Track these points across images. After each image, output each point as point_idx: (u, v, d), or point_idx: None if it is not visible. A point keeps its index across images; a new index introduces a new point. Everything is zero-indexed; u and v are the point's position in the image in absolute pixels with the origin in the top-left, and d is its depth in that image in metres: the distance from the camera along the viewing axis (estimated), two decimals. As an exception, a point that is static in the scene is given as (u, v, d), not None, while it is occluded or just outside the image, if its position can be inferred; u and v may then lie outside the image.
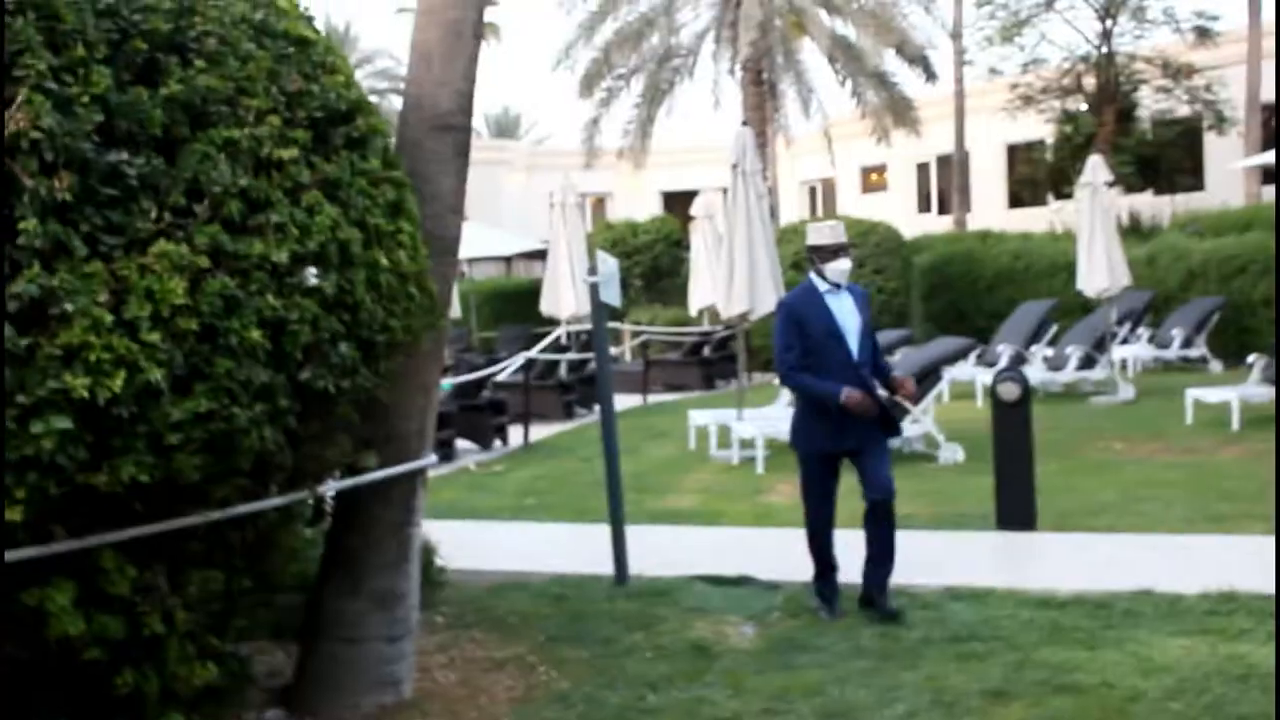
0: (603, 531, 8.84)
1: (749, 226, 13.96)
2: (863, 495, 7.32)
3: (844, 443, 7.30)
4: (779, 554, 9.04)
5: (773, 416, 14.07)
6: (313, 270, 4.65)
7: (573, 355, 19.76)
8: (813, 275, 7.45)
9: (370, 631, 5.95)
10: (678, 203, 38.62)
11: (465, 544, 8.75)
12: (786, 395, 15.08)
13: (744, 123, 15.90)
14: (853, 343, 7.30)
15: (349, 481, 5.55)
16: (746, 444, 13.56)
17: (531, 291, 27.84)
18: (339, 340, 4.78)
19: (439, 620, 7.35)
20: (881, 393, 7.47)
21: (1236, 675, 6.05)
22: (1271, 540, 8.73)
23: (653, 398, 20.80)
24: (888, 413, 7.44)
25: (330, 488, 5.45)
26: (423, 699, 6.10)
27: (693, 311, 23.20)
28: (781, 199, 34.40)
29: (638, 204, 39.48)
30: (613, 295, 8.73)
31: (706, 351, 23.44)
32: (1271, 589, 7.30)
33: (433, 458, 6.25)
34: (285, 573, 5.65)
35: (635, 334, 24.43)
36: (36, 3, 4.12)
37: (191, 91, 4.49)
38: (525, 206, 41.21)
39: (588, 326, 21.04)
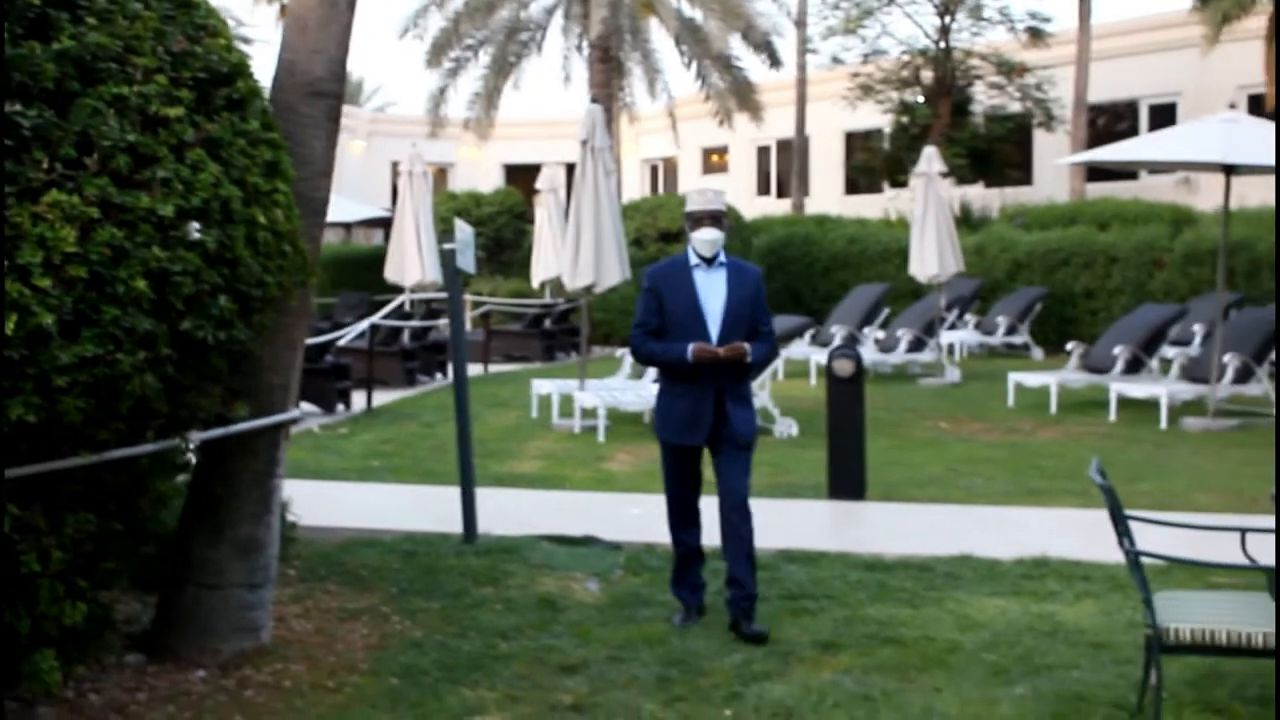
0: (449, 493, 9.10)
1: (596, 202, 14.24)
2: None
3: (694, 435, 6.75)
4: (619, 517, 9.43)
5: (614, 387, 14.43)
6: (196, 225, 4.83)
7: (416, 323, 19.87)
8: (689, 247, 6.86)
9: (232, 578, 6.14)
10: (520, 176, 38.75)
11: (314, 502, 8.91)
12: (628, 367, 15.47)
13: (594, 100, 16.18)
14: (713, 325, 6.70)
15: (219, 431, 5.72)
16: (589, 413, 13.89)
17: (372, 258, 27.81)
18: (218, 293, 4.97)
19: (292, 573, 7.52)
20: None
21: (1045, 631, 6.56)
22: (1079, 513, 9.38)
23: (493, 368, 21.02)
24: (737, 393, 6.78)
25: (200, 436, 5.62)
26: (281, 645, 6.31)
27: (535, 284, 23.41)
28: (624, 176, 34.77)
29: (480, 176, 39.51)
30: (468, 263, 8.96)
31: (548, 324, 23.71)
32: (1080, 555, 7.87)
33: (297, 412, 6.45)
34: (154, 518, 5.79)
35: (476, 304, 24.54)
36: (-65, -45, 4.24)
37: (82, 47, 4.64)
38: (366, 174, 40.96)
39: (431, 295, 21.17)
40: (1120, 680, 5.77)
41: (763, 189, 38.76)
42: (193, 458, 6.08)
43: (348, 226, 36.72)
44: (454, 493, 8.81)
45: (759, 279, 7.00)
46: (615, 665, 6.09)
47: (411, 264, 20.31)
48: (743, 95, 31.56)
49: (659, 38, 32.43)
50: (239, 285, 5.12)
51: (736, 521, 6.71)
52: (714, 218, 6.83)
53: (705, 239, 6.79)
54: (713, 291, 6.79)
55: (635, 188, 40.75)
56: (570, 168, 15.03)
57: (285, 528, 7.61)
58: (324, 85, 6.27)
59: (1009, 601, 7.10)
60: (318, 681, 5.86)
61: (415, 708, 5.52)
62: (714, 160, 40.46)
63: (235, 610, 6.16)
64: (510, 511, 9.47)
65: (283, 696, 5.69)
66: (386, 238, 30.92)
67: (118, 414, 4.70)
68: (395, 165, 27.66)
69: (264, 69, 5.92)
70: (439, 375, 19.53)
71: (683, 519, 6.99)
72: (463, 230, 9.02)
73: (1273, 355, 14.82)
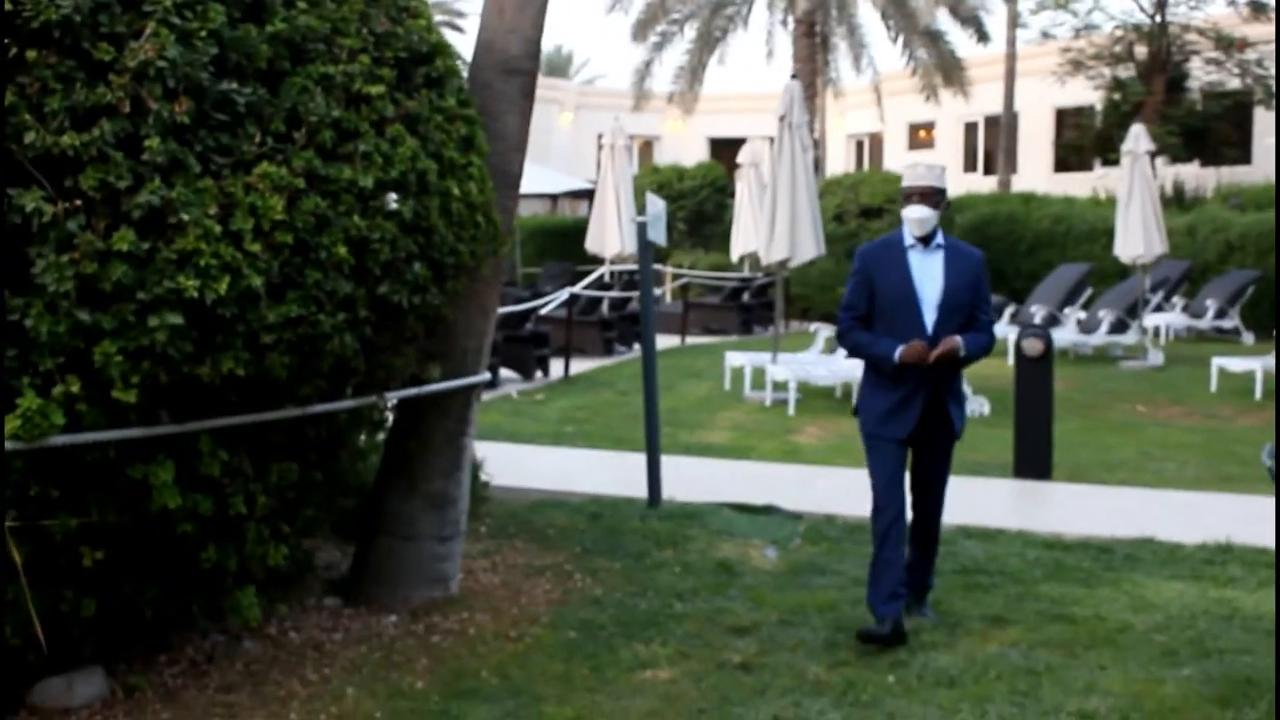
0: (637, 459, 9.37)
1: (793, 177, 14.36)
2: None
3: (899, 427, 6.22)
4: (803, 488, 9.58)
5: (806, 361, 14.55)
6: (393, 195, 5.15)
7: (615, 293, 20.24)
8: (904, 226, 6.31)
9: (424, 530, 6.49)
10: (724, 149, 38.95)
11: (507, 464, 9.29)
12: (821, 342, 15.58)
13: (793, 76, 16.27)
14: (928, 313, 6.14)
15: (413, 390, 6.07)
16: (780, 386, 14.06)
17: (576, 230, 28.27)
18: (413, 260, 5.30)
19: (483, 530, 7.88)
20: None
21: (1222, 615, 6.51)
22: (1271, 500, 9.19)
23: (690, 340, 21.28)
24: (947, 395, 6.29)
25: (396, 395, 5.97)
26: (468, 596, 6.65)
27: (734, 257, 23.61)
28: (828, 152, 34.70)
29: (684, 149, 39.82)
30: (659, 235, 9.19)
31: (745, 297, 23.87)
32: (1267, 543, 7.76)
33: (487, 375, 6.77)
34: (351, 471, 6.18)
35: (676, 277, 24.85)
36: (164, -55, 4.61)
37: (293, 29, 4.98)
38: (573, 146, 41.64)
39: (631, 266, 21.52)
40: (1292, 666, 5.74)
41: (969, 166, 38.25)
42: (389, 416, 6.46)
43: (554, 198, 37.40)
44: (642, 459, 9.08)
45: (980, 263, 6.34)
46: (785, 629, 6.27)
47: (611, 235, 20.68)
48: (949, 71, 31.19)
49: (865, 12, 32.29)
50: (433, 253, 5.44)
51: (930, 528, 6.50)
52: (924, 195, 6.20)
53: (913, 217, 6.19)
54: (929, 276, 6.20)
55: (840, 163, 40.61)
56: (773, 142, 15.15)
57: (478, 487, 7.98)
58: (519, 63, 6.56)
59: (1187, 585, 7.06)
60: (500, 631, 6.17)
61: (589, 659, 5.78)
62: (920, 136, 40.07)
63: (426, 561, 6.52)
64: (696, 479, 9.70)
65: (467, 643, 6.01)
66: (591, 209, 31.51)
67: (319, 371, 5.06)
68: (600, 137, 28.10)
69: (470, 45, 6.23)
70: (636, 345, 19.88)
71: (883, 519, 6.24)
72: (654, 203, 9.26)
73: None
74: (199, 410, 4.76)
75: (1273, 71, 28.56)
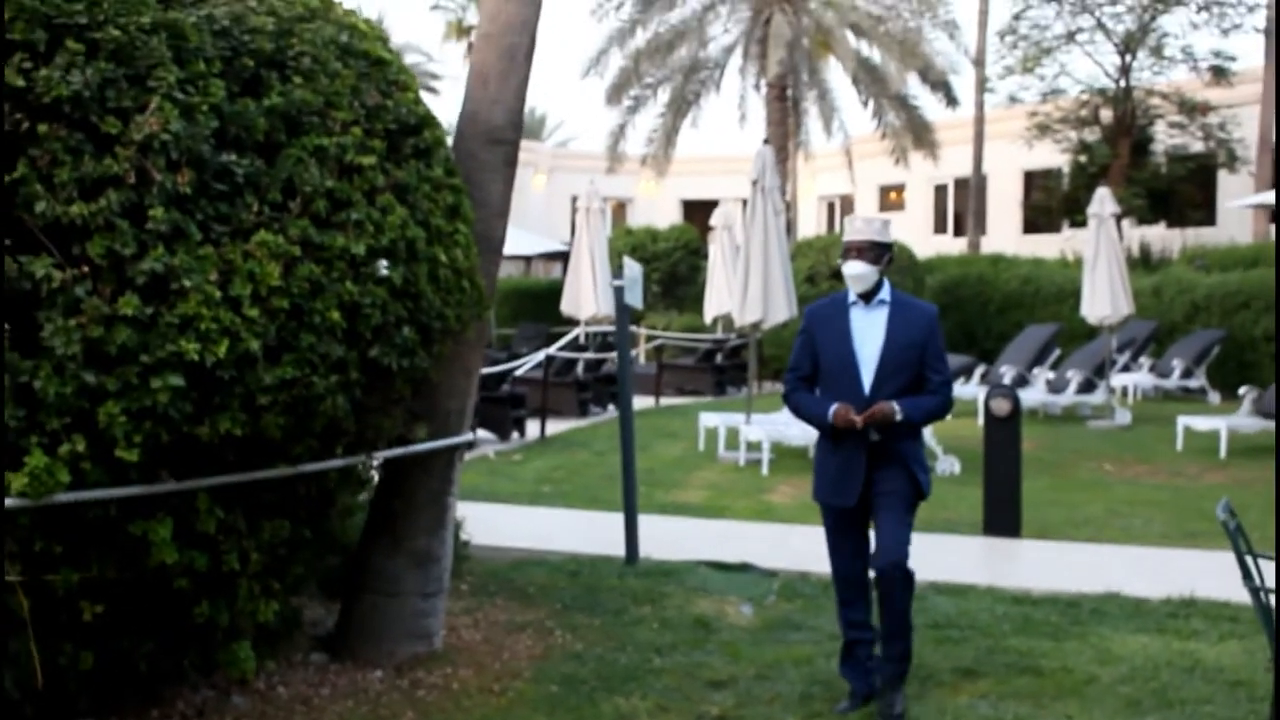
0: (614, 519, 9.54)
1: (765, 240, 14.62)
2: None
3: (844, 494, 6.03)
4: (778, 546, 9.76)
5: (779, 421, 14.73)
6: (384, 262, 5.35)
7: (590, 355, 20.46)
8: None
9: (408, 587, 6.65)
10: (697, 211, 39.36)
11: (486, 524, 9.44)
12: (794, 402, 15.78)
13: (766, 141, 16.58)
14: (865, 374, 5.92)
15: (399, 450, 6.24)
16: (754, 446, 14.26)
17: (550, 291, 28.54)
18: (403, 324, 5.49)
19: (464, 588, 8.03)
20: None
21: (1184, 667, 6.70)
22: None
23: (665, 400, 21.49)
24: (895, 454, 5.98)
25: (383, 455, 6.14)
26: (451, 651, 6.80)
27: (707, 319, 23.87)
28: (800, 213, 35.15)
29: (658, 211, 40.22)
30: (636, 298, 9.41)
31: (719, 358, 24.11)
32: (1230, 597, 7.96)
33: (471, 435, 6.96)
34: (340, 529, 6.34)
35: (650, 338, 25.08)
36: (167, 25, 4.83)
37: (289, 103, 5.20)
38: (547, 207, 41.99)
39: (605, 328, 21.76)
40: (1252, 716, 5.93)
41: (939, 227, 38.73)
42: (375, 475, 6.63)
43: (528, 260, 37.69)
44: (619, 518, 9.26)
45: (932, 320, 6.06)
46: (761, 683, 6.44)
47: (587, 297, 20.92)
48: (919, 134, 31.70)
49: (835, 77, 32.79)
50: (421, 317, 5.63)
51: (886, 584, 5.95)
52: (860, 250, 5.98)
53: (850, 273, 6.00)
54: (868, 335, 5.97)
55: (811, 224, 41.06)
56: (745, 204, 15.44)
57: (459, 546, 8.13)
58: (502, 133, 6.79)
59: (1152, 638, 7.25)
60: (484, 685, 6.32)
61: (572, 712, 5.94)
62: (891, 198, 40.57)
63: (410, 617, 6.67)
64: (672, 538, 9.87)
65: (452, 697, 6.16)
66: (564, 271, 31.75)
67: (311, 431, 5.24)
68: (575, 200, 28.41)
69: (450, 106, 6.46)
70: (611, 406, 20.07)
71: (845, 591, 6.20)
72: (631, 267, 9.48)
73: None
74: (197, 469, 4.93)
75: (1235, 135, 29.10)
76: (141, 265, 4.52)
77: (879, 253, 6.02)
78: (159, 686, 5.91)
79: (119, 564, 4.84)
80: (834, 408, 5.91)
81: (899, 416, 5.87)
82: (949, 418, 17.24)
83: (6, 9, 4.57)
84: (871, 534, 6.14)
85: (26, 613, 4.61)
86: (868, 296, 6.03)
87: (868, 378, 5.94)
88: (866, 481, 5.97)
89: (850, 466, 5.98)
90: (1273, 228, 27.76)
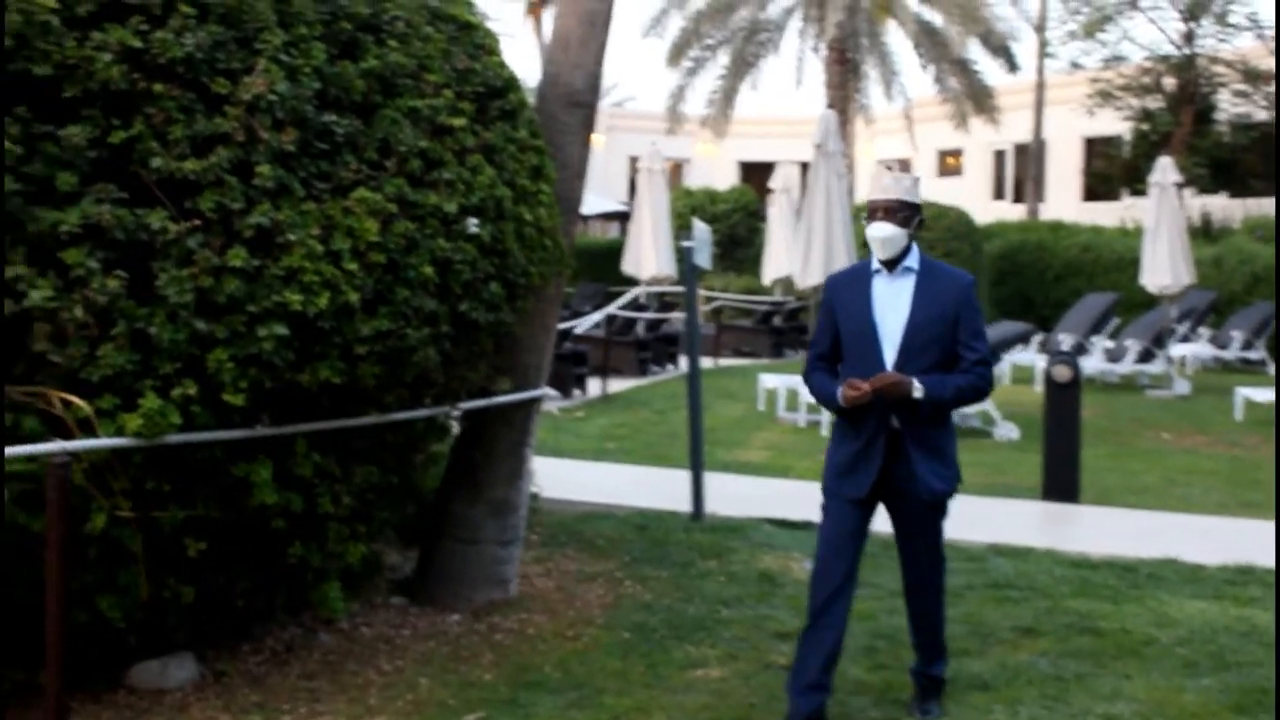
0: (678, 475, 9.75)
1: (828, 204, 14.74)
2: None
3: (853, 485, 5.32)
4: (839, 505, 9.90)
5: (839, 384, 14.88)
6: (474, 220, 5.56)
7: (650, 315, 20.63)
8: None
9: (486, 535, 6.88)
10: (754, 173, 39.38)
11: (553, 478, 9.67)
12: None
13: (829, 105, 16.66)
14: (888, 348, 5.22)
15: (482, 402, 6.47)
16: (813, 408, 14.42)
17: (609, 251, 28.70)
18: (490, 280, 5.71)
19: (535, 538, 8.26)
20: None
21: (1240, 632, 6.83)
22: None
23: (723, 361, 21.65)
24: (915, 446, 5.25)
25: (466, 405, 6.37)
26: (525, 599, 7.03)
27: (766, 281, 23.97)
28: (859, 177, 35.07)
29: (715, 172, 40.25)
30: (704, 259, 9.58)
31: (777, 320, 24.22)
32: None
33: (549, 389, 7.17)
34: (423, 477, 6.58)
35: (709, 300, 25.22)
36: (273, -12, 5.05)
37: (385, 66, 5.41)
38: (604, 167, 42.07)
39: (665, 288, 21.89)
40: (1307, 677, 6.07)
41: (997, 193, 38.59)
42: (455, 426, 6.86)
43: (585, 219, 37.82)
44: (683, 475, 9.46)
45: (965, 290, 5.29)
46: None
47: (647, 258, 21.06)
48: (979, 99, 31.55)
49: (896, 40, 32.78)
50: (507, 274, 5.85)
51: (917, 604, 5.55)
52: (889, 210, 5.26)
53: (875, 236, 5.27)
54: (892, 305, 5.27)
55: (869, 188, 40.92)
56: (804, 166, 15.52)
57: (530, 497, 8.37)
58: (582, 96, 6.97)
59: (1209, 604, 7.37)
60: (558, 631, 6.55)
61: (644, 658, 6.16)
62: (949, 163, 40.42)
63: (487, 564, 6.91)
64: (735, 495, 10.06)
65: (528, 641, 6.39)
66: (622, 231, 31.87)
67: (402, 381, 5.46)
68: (633, 160, 28.49)
69: (512, 66, 6.61)
70: (670, 366, 20.26)
71: (820, 592, 5.39)
72: (699, 228, 9.65)
73: None
74: (295, 415, 5.16)
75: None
76: (249, 219, 4.74)
77: (908, 214, 5.28)
78: (251, 623, 6.18)
79: (221, 504, 5.09)
80: (842, 388, 5.19)
81: (918, 393, 5.12)
82: (1007, 383, 17.46)
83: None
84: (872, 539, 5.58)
85: (139, 546, 4.86)
86: (893, 263, 5.29)
87: (890, 354, 5.22)
88: (884, 475, 5.27)
89: (866, 454, 5.26)
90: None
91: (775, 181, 23.28)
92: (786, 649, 6.35)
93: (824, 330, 5.48)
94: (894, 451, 5.26)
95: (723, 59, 33.07)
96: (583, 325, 18.12)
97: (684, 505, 9.31)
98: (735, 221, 30.02)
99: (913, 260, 5.32)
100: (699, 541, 8.42)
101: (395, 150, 5.32)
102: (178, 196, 4.73)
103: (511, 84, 6.23)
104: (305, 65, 5.03)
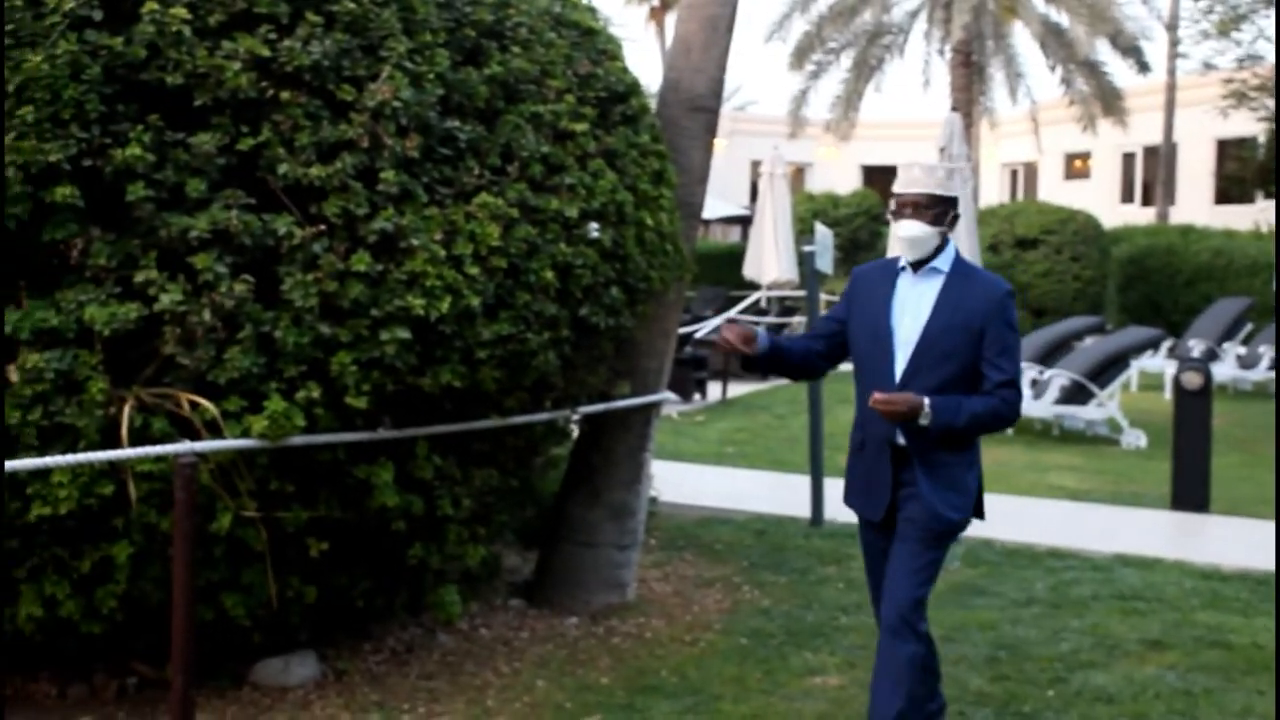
0: (797, 481, 9.71)
1: (952, 208, 14.55)
2: None
3: (868, 505, 4.81)
4: (961, 513, 9.79)
5: (961, 390, 14.70)
6: (595, 225, 5.59)
7: (771, 319, 20.57)
8: None
9: (604, 538, 6.90)
10: (877, 177, 39.09)
11: (672, 482, 9.67)
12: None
13: (953, 108, 16.49)
14: (899, 356, 4.62)
15: (601, 406, 6.49)
16: (934, 414, 14.25)
17: (729, 255, 28.65)
18: (611, 285, 5.73)
19: (653, 543, 8.27)
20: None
21: (1379, 647, 6.64)
22: None
23: (844, 366, 21.41)
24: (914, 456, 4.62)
25: (586, 409, 6.39)
26: (643, 603, 7.04)
27: (887, 286, 23.73)
28: (983, 181, 34.64)
29: (837, 176, 40.00)
30: (826, 264, 9.52)
31: (897, 326, 23.96)
32: None
33: (669, 393, 7.18)
34: (541, 480, 6.62)
35: (829, 305, 25.06)
36: (398, -3, 5.12)
37: (507, 72, 5.45)
38: (725, 171, 42.01)
39: (786, 292, 21.81)
40: None
41: (1126, 196, 37.85)
42: (575, 429, 6.89)
43: (706, 223, 37.79)
44: (802, 480, 9.41)
45: (998, 300, 4.61)
46: (947, 644, 6.53)
47: (769, 262, 21.01)
48: (1108, 100, 30.96)
49: (1021, 41, 32.14)
50: (628, 278, 5.86)
51: (885, 641, 4.72)
52: (917, 206, 4.63)
53: (903, 236, 4.66)
54: (911, 308, 4.66)
55: (993, 192, 40.43)
56: (928, 172, 15.34)
57: (648, 501, 8.38)
58: (704, 101, 6.97)
59: (1345, 617, 7.18)
60: (676, 635, 6.54)
61: (762, 664, 6.13)
62: (1076, 166, 39.75)
63: (605, 567, 6.92)
64: (854, 501, 9.97)
65: (645, 645, 6.40)
66: (743, 235, 31.81)
67: (523, 385, 5.50)
68: (755, 164, 28.40)
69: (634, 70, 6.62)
70: (791, 370, 20.13)
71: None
72: (822, 233, 9.59)
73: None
74: (417, 418, 5.22)
75: None
76: (373, 224, 4.80)
77: (941, 210, 4.64)
78: (371, 623, 6.26)
79: (343, 505, 5.16)
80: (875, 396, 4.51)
81: (925, 418, 4.49)
82: (1134, 390, 17.11)
83: (250, -18, 4.88)
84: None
85: (263, 545, 4.94)
86: (920, 263, 4.70)
87: (901, 361, 4.62)
88: (893, 501, 4.73)
89: (876, 473, 4.75)
90: None
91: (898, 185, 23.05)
92: (906, 658, 6.29)
93: (829, 320, 4.95)
94: (902, 474, 4.69)
95: (846, 62, 32.83)
96: (703, 330, 18.10)
97: (803, 511, 9.26)
98: (857, 225, 29.80)
99: (943, 261, 4.69)
100: (818, 547, 8.37)
101: (517, 155, 5.36)
102: (303, 202, 4.81)
103: (634, 89, 6.25)
104: (429, 72, 5.09)
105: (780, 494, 10.21)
